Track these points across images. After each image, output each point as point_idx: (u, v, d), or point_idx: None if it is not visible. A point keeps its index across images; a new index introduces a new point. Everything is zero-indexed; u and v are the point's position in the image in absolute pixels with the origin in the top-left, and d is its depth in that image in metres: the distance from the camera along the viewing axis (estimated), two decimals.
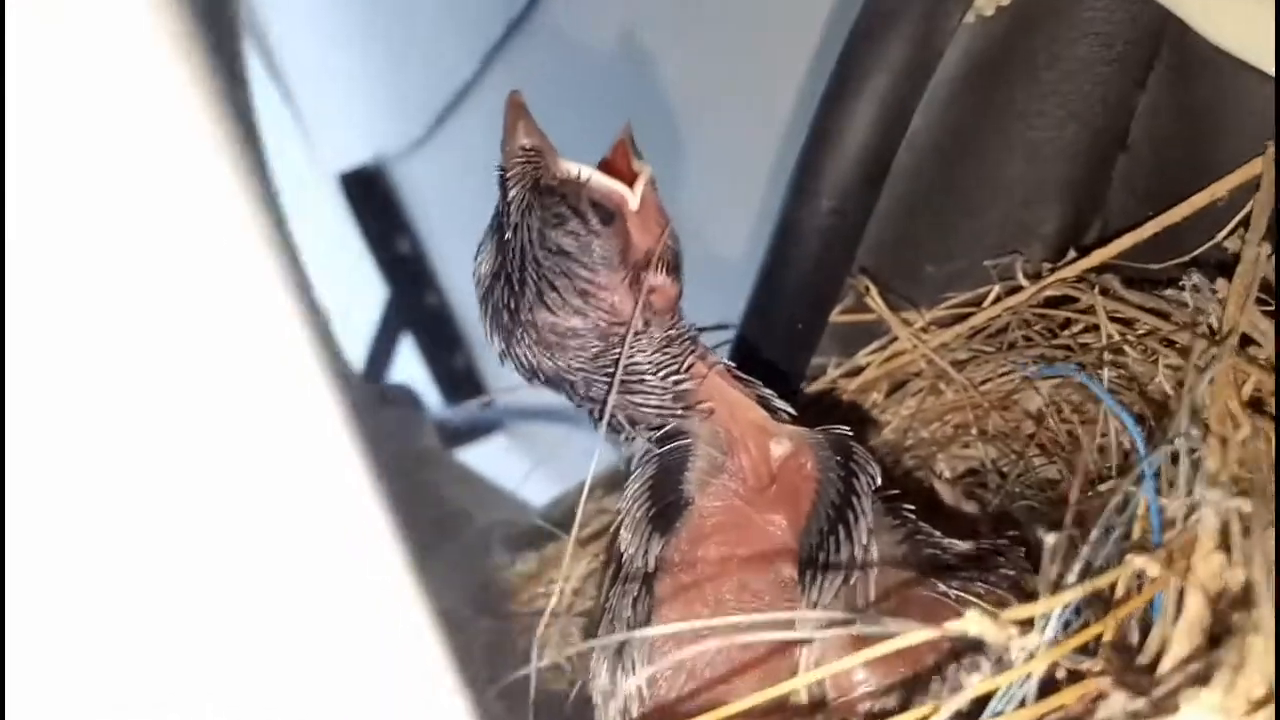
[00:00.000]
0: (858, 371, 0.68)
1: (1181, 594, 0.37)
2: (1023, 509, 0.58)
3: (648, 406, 0.50)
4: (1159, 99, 0.60)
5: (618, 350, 0.49)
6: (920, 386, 0.66)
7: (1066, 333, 0.59)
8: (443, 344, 1.96)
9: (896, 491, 0.50)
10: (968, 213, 0.65)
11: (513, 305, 0.49)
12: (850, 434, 0.50)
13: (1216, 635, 0.36)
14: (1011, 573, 0.47)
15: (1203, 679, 0.32)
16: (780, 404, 0.52)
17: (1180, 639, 0.36)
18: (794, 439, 0.51)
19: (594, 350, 0.49)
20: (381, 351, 1.96)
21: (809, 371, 0.70)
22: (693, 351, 0.51)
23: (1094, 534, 0.36)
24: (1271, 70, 0.56)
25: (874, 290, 0.65)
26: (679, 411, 0.50)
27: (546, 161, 0.49)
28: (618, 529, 0.51)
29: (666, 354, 0.50)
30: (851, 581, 0.45)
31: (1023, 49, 0.61)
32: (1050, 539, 0.33)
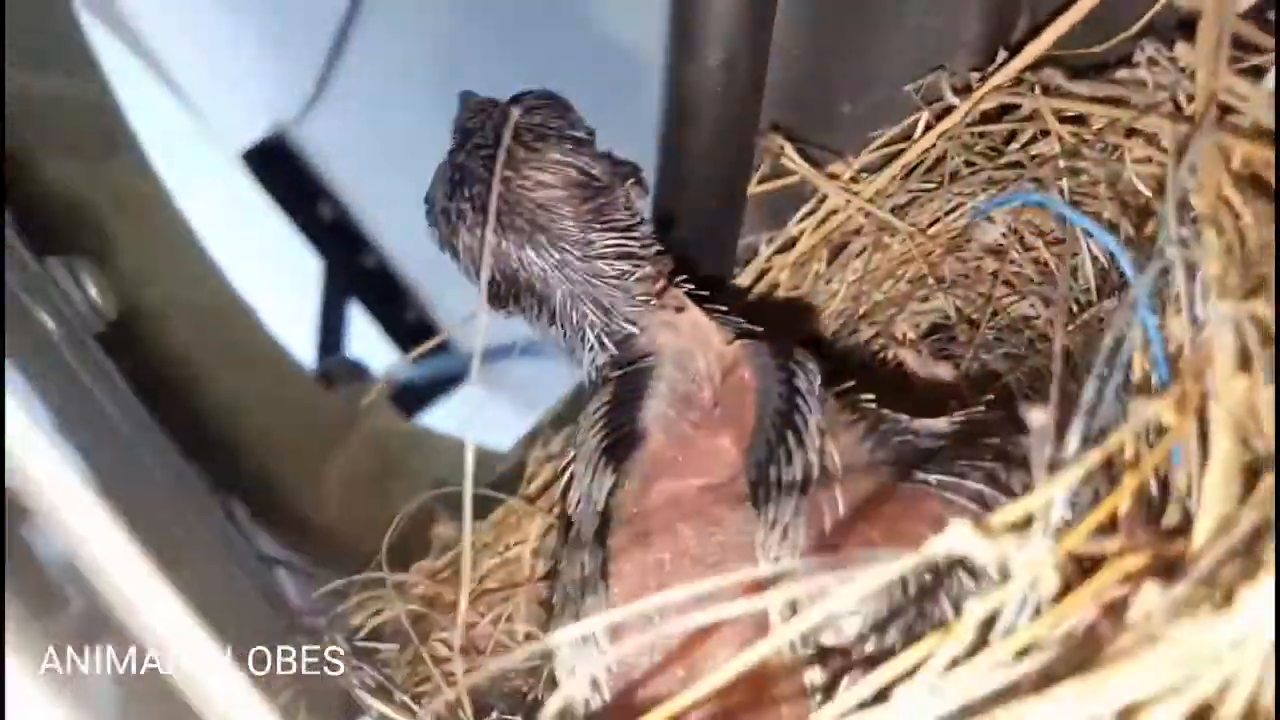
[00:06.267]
0: (793, 243, 0.60)
1: (1205, 437, 0.30)
2: (1000, 358, 0.51)
3: (615, 288, 0.46)
4: None
5: (594, 221, 0.46)
6: (863, 245, 0.58)
7: (1014, 147, 0.51)
8: (390, 301, 1.90)
9: (850, 384, 0.42)
10: (876, 35, 0.55)
11: (485, 167, 0.45)
12: (784, 335, 0.43)
13: (1253, 483, 0.29)
14: (996, 441, 0.39)
15: (1252, 554, 0.25)
16: (737, 320, 0.47)
17: (1214, 494, 0.29)
18: (733, 353, 0.46)
19: (569, 207, 0.45)
20: (332, 322, 1.90)
21: (741, 254, 0.62)
22: (662, 261, 0.48)
23: (1088, 389, 0.29)
24: None
25: (789, 147, 0.56)
26: (647, 299, 0.46)
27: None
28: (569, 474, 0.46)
29: (637, 233, 0.47)
30: (811, 490, 0.38)
31: None
32: (1036, 419, 0.25)
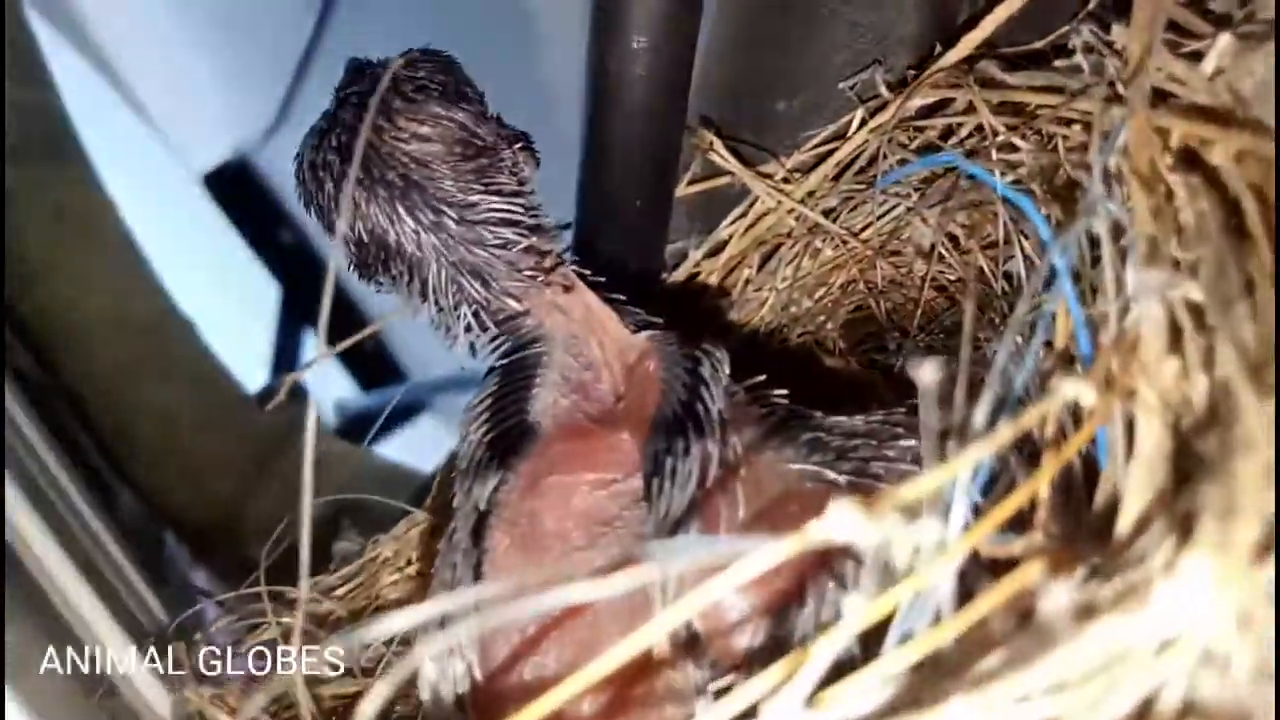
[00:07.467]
0: (723, 247, 0.56)
1: (1131, 423, 0.27)
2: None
3: (497, 259, 0.41)
4: None
5: (475, 183, 0.41)
6: (794, 250, 0.54)
7: (951, 143, 0.48)
8: (347, 331, 1.86)
9: (762, 378, 0.39)
10: (810, 32, 0.53)
11: (356, 116, 0.41)
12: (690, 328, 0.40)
13: (1186, 471, 0.25)
14: (914, 443, 0.36)
15: (1181, 537, 0.21)
16: (636, 310, 0.44)
17: (1138, 485, 0.25)
18: (641, 344, 0.42)
19: (447, 166, 0.41)
20: (286, 350, 1.86)
21: (671, 259, 0.59)
22: (550, 235, 0.44)
23: (999, 358, 0.25)
24: None
25: (718, 142, 0.53)
26: (534, 274, 0.42)
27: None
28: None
29: (523, 201, 0.42)
30: (708, 483, 0.34)
31: None
32: (925, 375, 0.22)
